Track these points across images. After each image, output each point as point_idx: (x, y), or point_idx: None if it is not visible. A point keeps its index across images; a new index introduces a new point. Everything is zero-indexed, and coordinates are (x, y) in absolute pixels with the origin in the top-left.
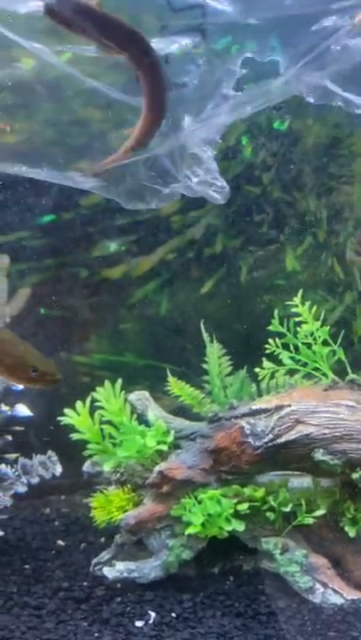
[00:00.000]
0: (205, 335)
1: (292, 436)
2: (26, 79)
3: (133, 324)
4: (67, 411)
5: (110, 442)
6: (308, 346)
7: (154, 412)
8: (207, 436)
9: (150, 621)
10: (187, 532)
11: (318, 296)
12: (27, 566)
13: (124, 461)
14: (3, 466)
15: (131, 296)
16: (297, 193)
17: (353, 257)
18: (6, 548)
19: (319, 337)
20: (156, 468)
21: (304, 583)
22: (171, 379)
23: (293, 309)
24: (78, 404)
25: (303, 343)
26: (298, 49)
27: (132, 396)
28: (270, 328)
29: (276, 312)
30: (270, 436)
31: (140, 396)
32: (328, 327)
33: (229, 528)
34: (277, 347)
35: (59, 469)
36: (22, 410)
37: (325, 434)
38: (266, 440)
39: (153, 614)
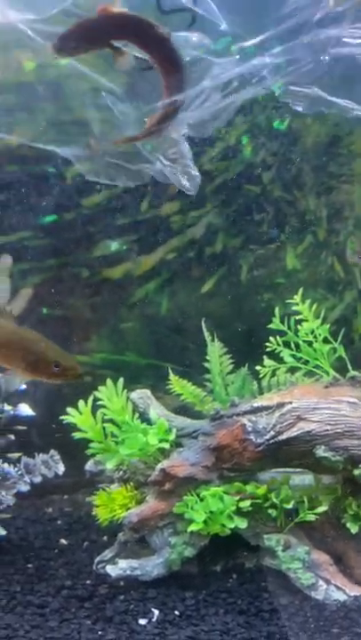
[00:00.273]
0: (206, 334)
1: (293, 432)
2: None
3: (134, 324)
4: (69, 410)
5: (113, 440)
6: (309, 343)
7: (156, 410)
8: (209, 434)
9: (153, 619)
10: (189, 530)
11: (318, 294)
12: (30, 565)
13: (126, 459)
14: (5, 465)
15: (132, 295)
16: (297, 192)
17: (354, 259)
18: (9, 547)
19: (320, 335)
20: (159, 466)
21: (306, 580)
22: (172, 377)
23: (294, 307)
24: (80, 403)
25: (304, 341)
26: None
27: (134, 395)
28: (271, 326)
29: (276, 310)
30: (272, 433)
31: (141, 395)
32: (328, 325)
33: (232, 525)
34: (278, 345)
35: (61, 468)
36: (25, 409)
37: (327, 430)
38: (267, 437)
39: (156, 612)
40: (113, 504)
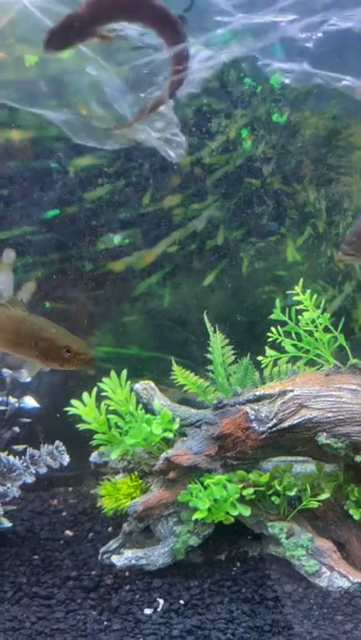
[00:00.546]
0: (209, 325)
1: (295, 420)
2: None
3: (137, 317)
4: (73, 402)
5: (117, 431)
6: (310, 333)
7: (159, 400)
8: (212, 423)
9: (159, 609)
10: (193, 518)
11: (319, 286)
12: (35, 557)
13: (130, 449)
14: (11, 457)
15: (134, 289)
16: (297, 184)
17: (341, 256)
18: (15, 538)
19: (320, 324)
20: (163, 455)
21: (310, 567)
22: (175, 367)
23: (295, 298)
24: (84, 394)
25: (305, 331)
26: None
27: (138, 386)
28: (272, 317)
29: (277, 302)
30: (274, 420)
31: (145, 386)
32: (329, 315)
33: (235, 513)
34: (280, 334)
35: (66, 459)
36: (29, 402)
37: (329, 417)
38: (270, 425)
39: (161, 601)
40: (118, 494)
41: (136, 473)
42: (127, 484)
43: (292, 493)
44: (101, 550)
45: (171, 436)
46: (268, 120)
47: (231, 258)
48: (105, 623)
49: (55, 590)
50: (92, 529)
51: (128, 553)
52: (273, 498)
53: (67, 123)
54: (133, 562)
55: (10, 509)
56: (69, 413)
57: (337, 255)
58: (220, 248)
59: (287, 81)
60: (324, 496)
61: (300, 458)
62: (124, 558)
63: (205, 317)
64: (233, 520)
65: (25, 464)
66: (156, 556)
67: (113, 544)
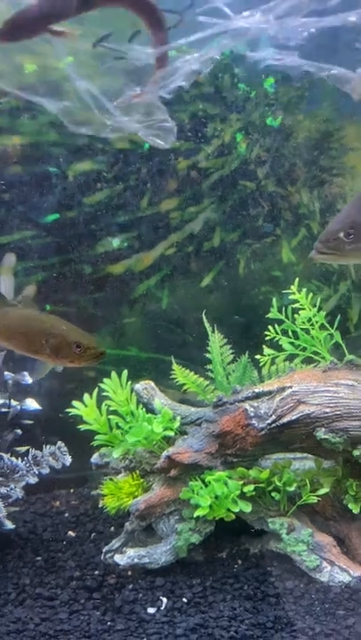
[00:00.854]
0: (207, 325)
1: (294, 416)
2: None
3: (136, 319)
4: (74, 403)
5: (118, 432)
6: (307, 331)
7: (160, 399)
8: (212, 421)
9: (162, 607)
10: (195, 515)
11: (314, 286)
12: (38, 558)
13: (132, 448)
14: (13, 458)
15: (133, 291)
16: (291, 187)
17: (314, 255)
18: (18, 540)
19: (317, 322)
20: (164, 453)
21: (311, 562)
22: (175, 366)
23: (291, 297)
24: (85, 396)
25: (302, 329)
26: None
27: (138, 386)
28: (269, 316)
29: (274, 301)
30: (273, 417)
31: (145, 386)
32: (325, 314)
33: (237, 509)
34: (277, 333)
35: (68, 460)
36: (31, 404)
37: (326, 413)
38: (269, 421)
39: (165, 600)
40: (120, 493)
41: (137, 472)
42: (129, 482)
43: (292, 488)
44: (104, 550)
45: (172, 434)
46: (262, 124)
47: (228, 259)
48: (109, 623)
49: (58, 591)
50: (94, 529)
51: (131, 552)
52: (273, 494)
53: (64, 111)
54: (136, 560)
55: (13, 511)
56: (70, 415)
57: (310, 255)
58: (216, 250)
59: (276, 63)
60: (323, 491)
61: (298, 455)
62: (126, 557)
63: (204, 317)
64: (234, 517)
65: (28, 465)
66: (158, 554)
67: (115, 543)
